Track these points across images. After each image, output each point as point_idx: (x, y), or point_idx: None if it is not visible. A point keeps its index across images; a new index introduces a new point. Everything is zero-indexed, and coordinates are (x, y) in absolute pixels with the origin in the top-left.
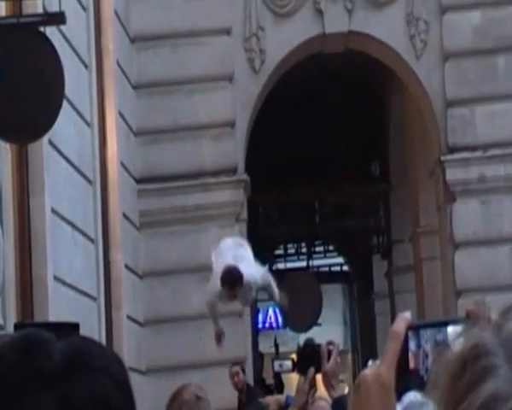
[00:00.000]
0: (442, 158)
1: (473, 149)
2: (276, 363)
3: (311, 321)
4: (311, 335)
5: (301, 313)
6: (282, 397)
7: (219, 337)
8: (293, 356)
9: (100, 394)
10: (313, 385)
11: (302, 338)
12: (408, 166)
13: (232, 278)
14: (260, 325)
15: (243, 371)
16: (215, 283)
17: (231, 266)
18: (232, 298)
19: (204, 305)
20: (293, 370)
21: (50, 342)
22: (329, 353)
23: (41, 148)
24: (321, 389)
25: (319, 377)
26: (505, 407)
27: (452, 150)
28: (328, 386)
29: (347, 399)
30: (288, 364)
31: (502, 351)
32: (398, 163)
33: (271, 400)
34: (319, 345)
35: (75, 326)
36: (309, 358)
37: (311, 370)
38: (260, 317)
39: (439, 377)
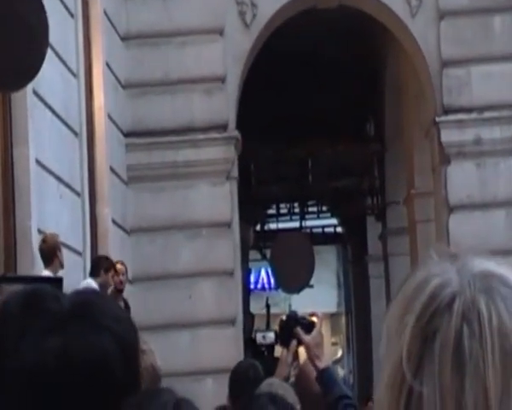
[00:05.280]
0: (437, 119)
1: (468, 110)
2: (259, 335)
3: (304, 282)
4: (306, 296)
5: (294, 274)
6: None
7: None
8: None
9: (97, 353)
10: (296, 358)
11: (294, 299)
12: (403, 126)
13: None
14: (252, 286)
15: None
16: None
17: None
18: None
19: None
20: (276, 342)
21: (61, 293)
22: (312, 324)
23: (25, 97)
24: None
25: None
26: (449, 290)
27: (447, 111)
28: (313, 358)
29: (334, 369)
30: (271, 336)
31: (455, 271)
32: (393, 123)
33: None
34: (303, 317)
35: (58, 280)
36: (291, 330)
37: (294, 342)
38: (252, 277)
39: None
